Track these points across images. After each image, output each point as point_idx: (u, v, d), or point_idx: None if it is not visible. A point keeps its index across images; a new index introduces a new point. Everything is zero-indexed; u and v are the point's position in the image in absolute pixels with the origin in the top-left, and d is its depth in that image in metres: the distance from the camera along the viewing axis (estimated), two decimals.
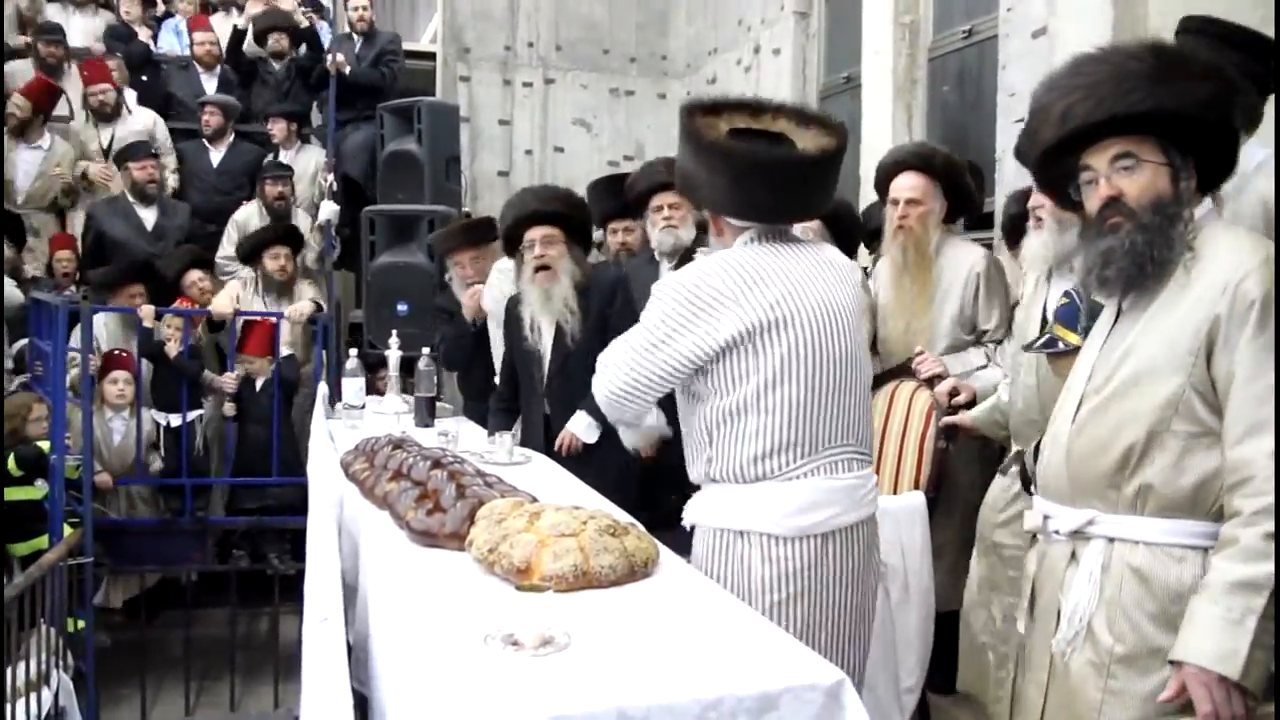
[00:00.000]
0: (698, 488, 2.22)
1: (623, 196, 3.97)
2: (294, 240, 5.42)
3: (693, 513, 2.21)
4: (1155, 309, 1.72)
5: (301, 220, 5.85)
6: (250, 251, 5.36)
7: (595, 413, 3.28)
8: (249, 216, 5.74)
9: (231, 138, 6.15)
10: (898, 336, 3.30)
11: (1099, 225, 1.77)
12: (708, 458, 2.15)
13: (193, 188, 6.06)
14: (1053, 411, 1.92)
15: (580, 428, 3.29)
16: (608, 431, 3.21)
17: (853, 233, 3.61)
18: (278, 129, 6.10)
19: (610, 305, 3.34)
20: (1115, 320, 1.81)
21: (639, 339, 2.14)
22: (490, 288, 3.91)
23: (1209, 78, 1.72)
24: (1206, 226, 1.74)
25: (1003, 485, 2.78)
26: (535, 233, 3.30)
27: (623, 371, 2.16)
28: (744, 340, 2.07)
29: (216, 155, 6.12)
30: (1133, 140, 1.73)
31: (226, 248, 5.69)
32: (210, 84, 6.44)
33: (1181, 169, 1.73)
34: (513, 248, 3.43)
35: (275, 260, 5.25)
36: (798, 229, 2.31)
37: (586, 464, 3.10)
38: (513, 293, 3.64)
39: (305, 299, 5.33)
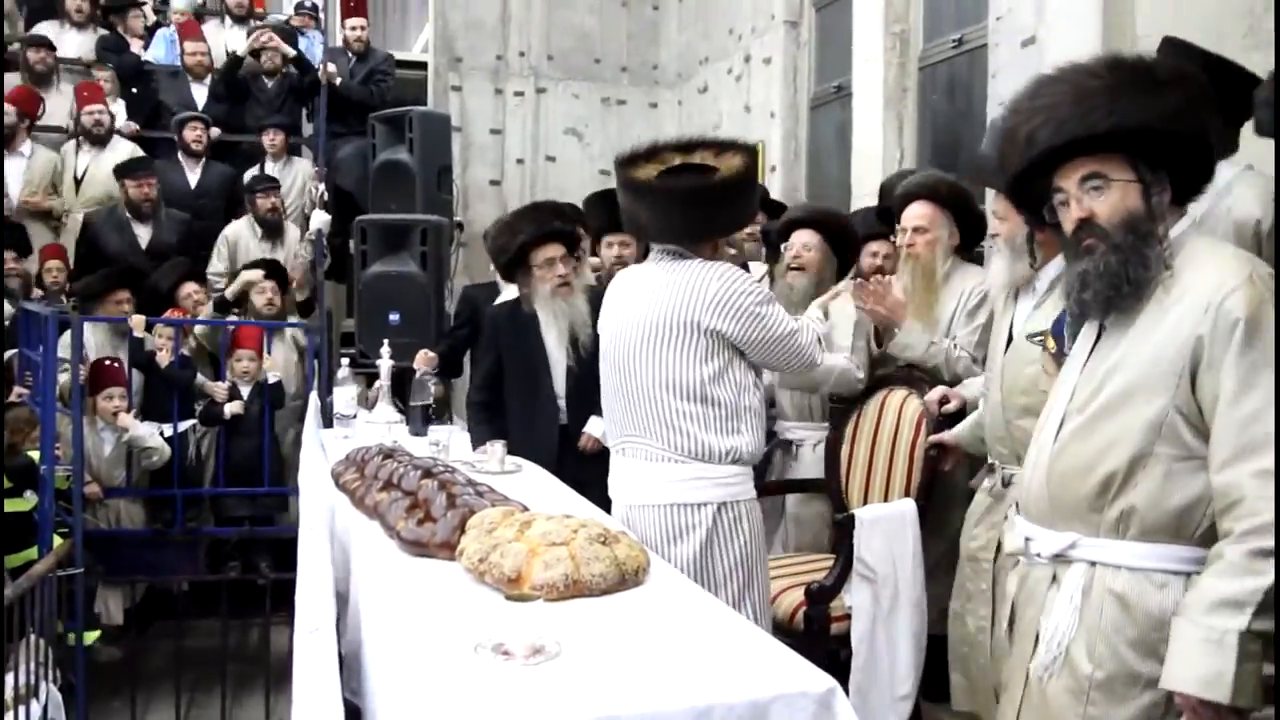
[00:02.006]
0: None
1: (618, 211, 3.95)
2: (280, 275, 5.30)
3: None
4: (1137, 328, 1.67)
5: (292, 232, 5.79)
6: (243, 295, 5.22)
7: None
8: (239, 232, 5.67)
9: (205, 158, 6.04)
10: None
11: (1075, 247, 1.73)
12: None
13: (170, 207, 5.84)
14: (1033, 431, 1.88)
15: (599, 430, 3.32)
16: None
17: (848, 242, 3.60)
18: (276, 140, 6.06)
19: None
20: (1097, 338, 1.76)
21: None
22: None
23: (1174, 87, 1.65)
24: (1188, 243, 1.70)
25: (979, 497, 2.76)
26: (554, 251, 3.39)
27: None
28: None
29: (193, 175, 6.01)
30: (1100, 160, 1.68)
31: (217, 264, 5.61)
32: (200, 94, 6.35)
33: (1153, 184, 1.68)
34: (517, 263, 3.44)
35: (262, 295, 5.15)
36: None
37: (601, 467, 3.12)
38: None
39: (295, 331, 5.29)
